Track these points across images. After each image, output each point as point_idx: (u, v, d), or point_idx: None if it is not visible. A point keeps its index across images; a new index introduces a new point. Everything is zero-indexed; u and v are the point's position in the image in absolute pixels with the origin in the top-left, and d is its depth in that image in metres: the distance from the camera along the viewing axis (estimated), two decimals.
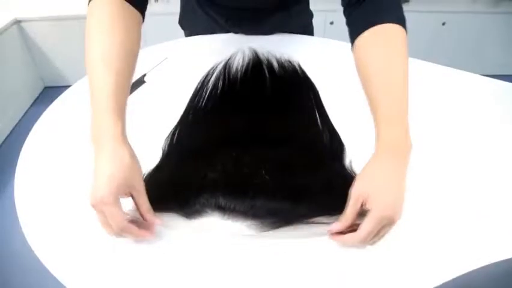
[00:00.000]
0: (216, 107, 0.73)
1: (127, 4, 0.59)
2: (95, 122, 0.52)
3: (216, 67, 0.83)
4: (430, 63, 0.93)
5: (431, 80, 0.88)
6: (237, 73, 0.81)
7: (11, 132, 2.11)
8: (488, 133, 0.72)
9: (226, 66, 0.83)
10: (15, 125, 2.15)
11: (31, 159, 0.65)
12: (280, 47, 0.92)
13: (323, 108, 0.74)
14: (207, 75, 0.82)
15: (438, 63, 2.59)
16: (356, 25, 0.62)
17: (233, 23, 1.03)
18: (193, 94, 0.77)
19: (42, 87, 2.44)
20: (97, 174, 0.49)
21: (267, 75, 0.80)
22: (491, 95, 0.83)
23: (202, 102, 0.75)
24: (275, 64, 0.84)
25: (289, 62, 0.85)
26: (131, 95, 0.69)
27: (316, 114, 0.72)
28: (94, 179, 0.49)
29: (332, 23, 2.19)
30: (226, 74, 0.81)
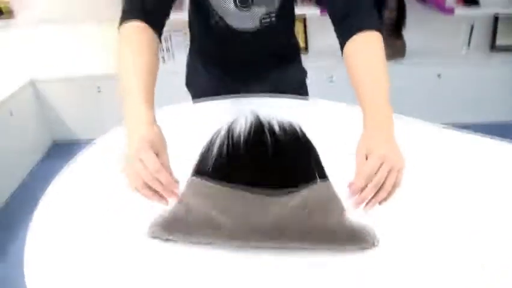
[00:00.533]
0: (222, 171, 0.73)
1: (149, 28, 0.75)
2: (129, 114, 0.66)
3: (220, 132, 0.85)
4: (427, 123, 0.96)
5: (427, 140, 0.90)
6: (240, 137, 0.82)
7: (20, 186, 2.14)
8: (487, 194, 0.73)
9: (230, 130, 0.84)
10: (24, 180, 2.19)
11: (43, 225, 0.66)
12: (281, 108, 0.96)
13: (323, 170, 0.75)
14: (211, 140, 0.83)
15: (436, 113, 2.67)
16: (343, 35, 0.78)
17: (234, 78, 1.09)
18: (198, 160, 0.78)
19: (51, 143, 2.50)
20: (130, 137, 0.63)
21: (269, 138, 0.82)
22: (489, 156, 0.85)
23: (209, 168, 0.74)
24: (276, 127, 0.86)
25: (291, 125, 0.87)
26: None
27: (317, 176, 0.73)
28: (128, 141, 0.62)
29: (332, 78, 2.29)
30: (230, 138, 0.82)
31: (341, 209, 0.65)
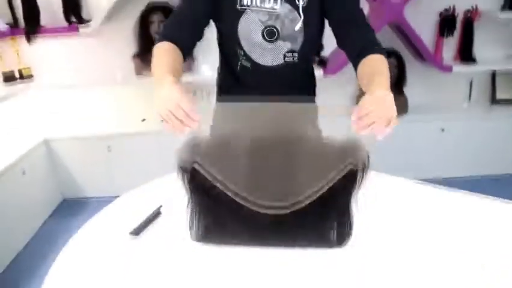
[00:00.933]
0: None
1: (176, 46, 0.95)
2: (157, 82, 0.83)
3: None
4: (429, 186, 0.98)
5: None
6: None
7: (29, 242, 2.14)
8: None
9: None
10: (34, 235, 2.20)
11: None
12: None
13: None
14: None
15: (440, 167, 2.69)
16: (358, 61, 0.96)
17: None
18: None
19: (61, 200, 2.54)
20: (158, 93, 0.79)
21: None
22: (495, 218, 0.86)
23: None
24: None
25: None
26: (147, 228, 0.83)
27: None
28: (156, 98, 0.79)
29: None
30: None
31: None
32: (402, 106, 2.44)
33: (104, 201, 2.58)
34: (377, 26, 2.17)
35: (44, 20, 2.25)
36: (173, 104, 0.76)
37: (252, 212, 0.76)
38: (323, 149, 0.79)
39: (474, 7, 2.35)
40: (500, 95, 2.64)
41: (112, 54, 2.40)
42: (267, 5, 0.95)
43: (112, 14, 2.27)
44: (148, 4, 2.22)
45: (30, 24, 2.20)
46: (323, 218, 0.79)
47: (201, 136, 0.79)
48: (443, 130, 2.44)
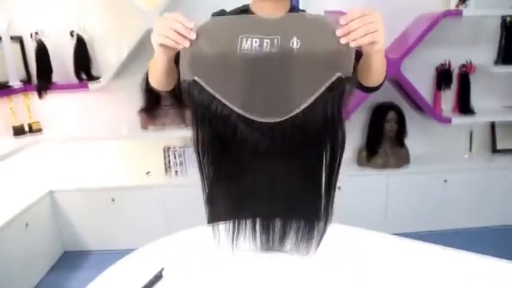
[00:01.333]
0: None
1: None
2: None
3: None
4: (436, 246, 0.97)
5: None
6: None
7: None
8: None
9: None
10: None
11: None
12: None
13: None
14: None
15: (443, 218, 2.65)
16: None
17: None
18: None
19: (62, 252, 2.51)
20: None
21: None
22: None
23: None
24: None
25: None
26: None
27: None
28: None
29: (339, 188, 2.33)
30: None
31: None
32: (403, 158, 2.47)
33: (105, 255, 2.57)
34: None
35: (56, 76, 2.35)
36: (170, 20, 0.79)
37: (251, 121, 0.83)
38: (314, 60, 0.82)
39: (469, 61, 2.44)
40: (500, 145, 2.67)
41: (119, 109, 2.48)
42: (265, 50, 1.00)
43: (121, 71, 2.37)
44: None
45: (42, 81, 2.29)
46: (317, 131, 0.85)
47: (199, 52, 0.83)
48: (445, 181, 2.45)
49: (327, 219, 0.89)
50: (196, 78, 0.85)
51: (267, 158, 0.86)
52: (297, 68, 0.82)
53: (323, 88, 0.82)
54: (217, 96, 0.84)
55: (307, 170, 0.93)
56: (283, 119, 0.83)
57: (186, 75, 0.85)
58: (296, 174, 0.93)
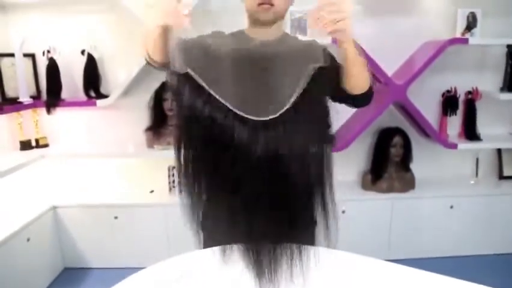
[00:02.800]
0: None
1: None
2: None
3: None
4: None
5: None
6: None
7: None
8: None
9: None
10: None
11: None
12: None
13: None
14: None
15: (449, 244, 2.61)
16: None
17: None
18: None
19: (62, 268, 2.49)
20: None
21: None
22: None
23: None
24: None
25: None
26: None
27: None
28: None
29: (343, 211, 2.32)
30: None
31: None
32: (409, 183, 2.45)
33: (106, 272, 2.55)
34: (382, 106, 2.26)
35: (65, 93, 2.39)
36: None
37: (246, 120, 0.85)
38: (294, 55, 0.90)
39: (475, 88, 2.44)
40: (507, 171, 2.65)
41: (126, 127, 2.50)
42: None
43: (129, 89, 2.40)
44: (163, 82, 2.36)
45: (51, 97, 2.33)
46: (308, 122, 0.88)
47: (190, 41, 0.87)
48: (451, 207, 2.42)
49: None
50: (189, 70, 0.85)
51: (261, 165, 0.86)
52: (280, 66, 0.90)
53: (304, 80, 0.88)
54: (212, 93, 0.85)
55: (301, 176, 0.92)
56: (277, 115, 0.86)
57: (178, 67, 0.84)
58: (290, 184, 0.91)
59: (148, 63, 1.06)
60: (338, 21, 0.81)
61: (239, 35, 1.09)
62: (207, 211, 1.10)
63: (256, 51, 0.90)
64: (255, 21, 1.06)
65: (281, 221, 0.93)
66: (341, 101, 1.08)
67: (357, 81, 0.99)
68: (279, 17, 1.06)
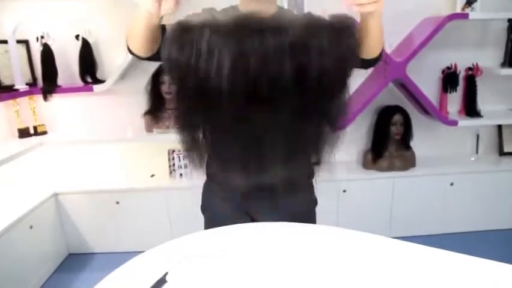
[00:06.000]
0: None
1: None
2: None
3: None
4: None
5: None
6: None
7: None
8: None
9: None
10: None
11: None
12: (292, 234, 1.00)
13: None
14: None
15: (450, 221, 2.64)
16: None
17: (247, 205, 1.16)
18: None
19: (66, 254, 2.51)
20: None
21: None
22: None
23: None
24: None
25: None
26: None
27: None
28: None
29: (344, 190, 2.33)
30: None
31: None
32: (410, 161, 2.45)
33: (109, 257, 2.58)
34: (382, 84, 2.24)
35: (61, 79, 2.36)
36: None
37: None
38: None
39: (475, 64, 2.42)
40: (507, 147, 2.65)
41: (124, 112, 2.49)
42: None
43: (125, 74, 2.38)
44: (160, 65, 2.33)
45: (47, 84, 2.30)
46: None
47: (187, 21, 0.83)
48: (452, 184, 2.42)
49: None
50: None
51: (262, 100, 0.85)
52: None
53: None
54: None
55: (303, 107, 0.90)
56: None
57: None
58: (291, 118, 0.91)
59: (131, 53, 1.03)
60: (373, 3, 0.80)
61: (232, 11, 1.07)
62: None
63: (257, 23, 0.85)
64: None
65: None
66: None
67: (372, 45, 0.97)
68: None
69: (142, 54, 0.98)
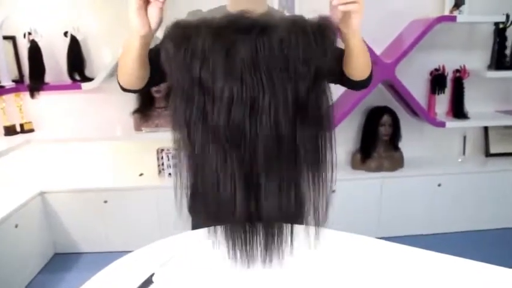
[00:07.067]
0: None
1: None
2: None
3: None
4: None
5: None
6: None
7: None
8: None
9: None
10: None
11: None
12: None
13: None
14: None
15: (436, 221, 2.67)
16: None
17: None
18: None
19: (52, 254, 2.48)
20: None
21: None
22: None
23: None
24: None
25: None
26: None
27: None
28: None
29: (333, 191, 2.34)
30: None
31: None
32: (398, 161, 2.47)
33: (96, 257, 2.55)
34: (371, 85, 2.25)
35: (49, 77, 2.33)
36: None
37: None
38: None
39: (462, 67, 2.45)
40: (493, 149, 2.69)
41: (113, 110, 2.46)
42: None
43: (114, 72, 2.35)
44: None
45: (35, 81, 2.27)
46: None
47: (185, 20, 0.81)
48: (439, 185, 2.45)
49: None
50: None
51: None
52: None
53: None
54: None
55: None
56: None
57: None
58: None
59: (124, 90, 1.02)
60: (352, 3, 0.82)
61: (221, 10, 1.06)
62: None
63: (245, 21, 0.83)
64: None
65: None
66: (338, 82, 1.07)
67: (359, 67, 0.97)
68: None
69: (133, 86, 0.98)
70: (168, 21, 0.81)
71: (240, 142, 0.81)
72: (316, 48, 0.79)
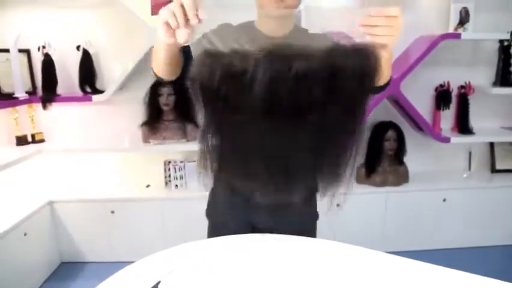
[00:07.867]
0: None
1: None
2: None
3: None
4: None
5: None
6: None
7: None
8: None
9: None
10: None
11: None
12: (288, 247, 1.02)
13: None
14: None
15: (441, 237, 2.64)
16: None
17: (250, 215, 1.19)
18: None
19: (59, 262, 2.51)
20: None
21: None
22: None
23: None
24: None
25: None
26: None
27: None
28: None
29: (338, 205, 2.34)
30: None
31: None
32: (403, 176, 2.48)
33: (102, 267, 2.57)
34: (376, 100, 2.28)
35: (61, 89, 2.39)
36: (175, 5, 0.75)
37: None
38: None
39: (467, 83, 2.47)
40: (499, 165, 2.68)
41: (121, 122, 2.52)
42: None
43: (124, 85, 2.41)
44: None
45: (47, 93, 2.33)
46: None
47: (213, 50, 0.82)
48: (444, 200, 2.45)
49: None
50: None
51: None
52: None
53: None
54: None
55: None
56: None
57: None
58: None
59: (157, 76, 1.05)
60: (388, 36, 0.80)
61: (250, 30, 1.09)
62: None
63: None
64: (266, 15, 1.07)
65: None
66: None
67: (381, 77, 0.94)
68: (293, 10, 1.05)
69: (166, 78, 1.02)
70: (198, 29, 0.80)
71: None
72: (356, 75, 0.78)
